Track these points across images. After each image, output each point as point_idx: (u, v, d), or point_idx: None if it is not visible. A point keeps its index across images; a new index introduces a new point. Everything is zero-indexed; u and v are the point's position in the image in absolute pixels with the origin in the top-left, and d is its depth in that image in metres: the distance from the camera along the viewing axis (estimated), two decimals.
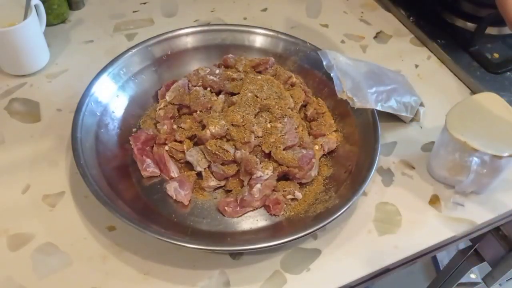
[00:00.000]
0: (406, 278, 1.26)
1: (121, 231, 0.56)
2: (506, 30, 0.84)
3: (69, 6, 0.84)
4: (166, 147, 0.63)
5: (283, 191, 0.60)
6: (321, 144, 0.64)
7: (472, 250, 0.87)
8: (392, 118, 0.71)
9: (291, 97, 0.65)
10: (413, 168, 0.66)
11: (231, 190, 0.60)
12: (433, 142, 0.70)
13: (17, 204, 0.58)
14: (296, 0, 0.92)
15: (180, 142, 0.63)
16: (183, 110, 0.66)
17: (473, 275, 1.05)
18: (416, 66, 0.82)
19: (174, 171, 0.61)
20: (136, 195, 0.59)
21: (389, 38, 0.87)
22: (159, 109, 0.66)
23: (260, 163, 0.59)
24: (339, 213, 0.54)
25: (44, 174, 0.61)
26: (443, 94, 0.77)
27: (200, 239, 0.55)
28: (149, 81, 0.70)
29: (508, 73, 0.78)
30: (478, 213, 0.62)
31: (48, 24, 0.76)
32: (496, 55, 0.81)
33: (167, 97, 0.66)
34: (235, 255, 0.56)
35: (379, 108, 0.64)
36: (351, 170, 0.61)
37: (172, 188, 0.59)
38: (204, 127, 0.62)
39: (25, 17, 0.69)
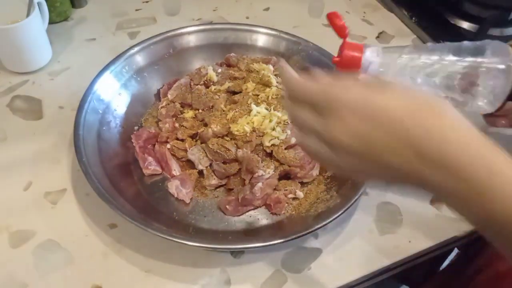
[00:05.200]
0: None
1: (123, 229, 0.56)
2: (508, 32, 0.84)
3: (71, 4, 0.84)
4: (168, 145, 0.63)
5: (285, 190, 0.60)
6: None
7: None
8: None
9: None
10: None
11: (233, 189, 0.60)
12: None
13: (19, 201, 0.58)
14: None
15: (182, 140, 0.63)
16: (185, 108, 0.66)
17: None
18: None
19: (175, 169, 0.61)
20: (137, 193, 0.59)
21: (391, 39, 0.87)
22: (161, 107, 0.66)
23: (262, 162, 0.59)
24: (340, 212, 0.54)
25: (46, 172, 0.61)
26: None
27: (201, 237, 0.55)
28: (151, 79, 0.70)
29: None
30: None
31: (51, 22, 0.76)
32: None
33: (169, 96, 0.66)
34: (236, 253, 0.56)
35: None
36: None
37: (173, 186, 0.59)
38: (206, 125, 0.62)
39: (28, 14, 0.69)
